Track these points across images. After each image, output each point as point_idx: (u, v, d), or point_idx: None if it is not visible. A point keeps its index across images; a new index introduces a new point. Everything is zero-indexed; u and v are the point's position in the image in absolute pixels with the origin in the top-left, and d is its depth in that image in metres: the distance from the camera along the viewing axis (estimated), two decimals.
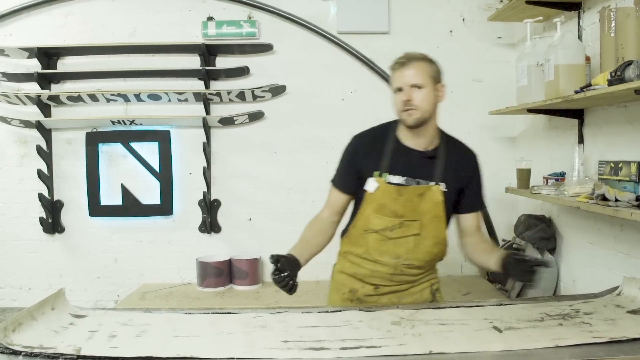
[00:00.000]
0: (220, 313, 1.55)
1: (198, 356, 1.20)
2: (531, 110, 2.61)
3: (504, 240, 3.01)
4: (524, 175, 2.77)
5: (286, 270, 1.50)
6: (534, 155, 2.95)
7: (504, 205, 3.25)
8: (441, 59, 3.13)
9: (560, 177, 2.50)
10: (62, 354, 1.20)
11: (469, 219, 1.78)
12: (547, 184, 2.52)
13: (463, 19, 3.30)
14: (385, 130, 1.77)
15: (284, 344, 1.27)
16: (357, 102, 3.29)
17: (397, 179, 1.68)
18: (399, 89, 1.65)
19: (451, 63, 3.18)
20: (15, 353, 1.20)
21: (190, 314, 1.55)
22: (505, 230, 3.24)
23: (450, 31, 3.31)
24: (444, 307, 1.56)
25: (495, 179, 3.19)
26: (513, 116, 3.12)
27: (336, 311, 1.52)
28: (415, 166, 1.69)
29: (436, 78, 1.69)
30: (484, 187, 1.81)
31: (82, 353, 1.21)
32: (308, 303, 2.86)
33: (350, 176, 1.77)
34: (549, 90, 2.29)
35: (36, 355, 1.20)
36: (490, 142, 3.29)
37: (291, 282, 1.50)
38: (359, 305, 1.69)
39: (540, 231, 2.80)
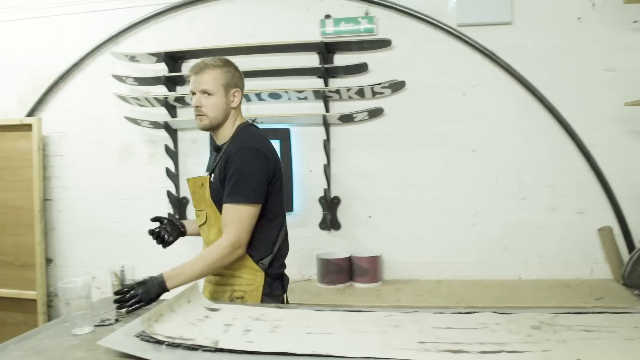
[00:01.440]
0: (351, 311, 1.55)
1: (334, 354, 1.19)
2: None
3: None
4: None
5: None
6: None
7: None
8: (569, 49, 3.07)
9: None
10: (200, 346, 1.24)
11: (223, 210, 1.76)
12: None
13: (593, 4, 3.11)
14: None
15: (420, 344, 1.24)
16: (478, 97, 3.21)
17: (205, 174, 1.88)
18: (193, 93, 1.80)
19: (580, 52, 3.11)
20: (159, 342, 1.25)
21: (320, 310, 1.55)
22: None
23: (579, 18, 3.13)
24: (586, 312, 1.46)
25: (630, 176, 3.04)
26: None
27: (470, 312, 1.48)
28: (209, 162, 1.94)
29: (228, 84, 1.79)
30: (245, 182, 1.72)
31: (220, 346, 1.23)
32: (429, 302, 2.87)
33: None
34: None
35: (177, 345, 1.24)
36: (624, 136, 3.09)
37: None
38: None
39: None
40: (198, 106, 1.76)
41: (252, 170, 1.72)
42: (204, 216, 1.84)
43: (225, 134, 1.83)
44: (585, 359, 1.14)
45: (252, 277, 1.81)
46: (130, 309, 1.56)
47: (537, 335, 1.28)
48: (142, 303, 1.57)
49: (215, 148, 1.85)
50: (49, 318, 3.68)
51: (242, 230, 1.71)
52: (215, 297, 1.83)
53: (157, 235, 1.91)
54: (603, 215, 3.11)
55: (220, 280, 1.84)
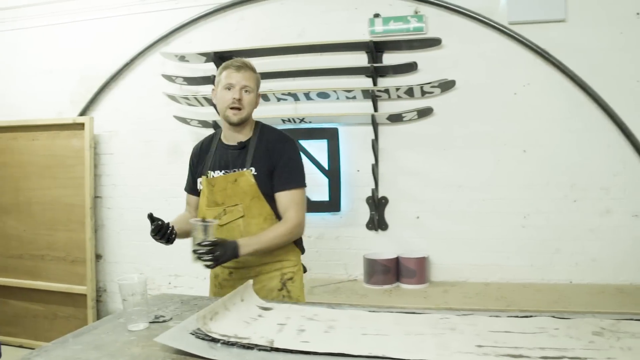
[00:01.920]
0: (404, 312, 1.54)
1: (391, 356, 1.17)
2: None
3: None
4: None
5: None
6: None
7: None
8: (625, 46, 2.99)
9: None
10: (256, 345, 1.24)
11: (279, 198, 1.92)
12: None
13: None
14: (214, 136, 2.06)
15: (478, 348, 1.22)
16: (530, 96, 3.15)
17: (217, 173, 1.94)
18: (229, 88, 1.88)
19: (637, 49, 3.01)
20: (215, 340, 1.26)
21: (374, 311, 1.55)
22: None
23: (637, 13, 3.04)
24: None
25: None
26: None
27: (527, 316, 1.45)
28: (230, 159, 1.94)
29: (259, 87, 1.98)
30: (299, 169, 1.96)
31: (275, 345, 1.24)
32: (479, 305, 2.83)
33: (193, 180, 2.07)
34: None
35: (233, 344, 1.24)
36: None
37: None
38: (220, 290, 1.97)
39: None
40: (240, 99, 1.87)
41: (299, 158, 1.98)
42: (238, 211, 1.91)
43: (246, 132, 1.97)
44: None
45: (296, 258, 2.03)
46: (206, 263, 1.68)
47: (600, 342, 1.25)
48: (215, 262, 1.69)
49: (240, 145, 1.95)
50: (98, 313, 3.79)
51: (304, 212, 1.94)
52: (264, 285, 1.95)
53: (164, 231, 1.83)
54: None
55: (266, 268, 1.97)
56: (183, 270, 3.70)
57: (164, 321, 1.50)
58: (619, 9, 3.04)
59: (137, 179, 3.76)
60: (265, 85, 3.41)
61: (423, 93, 3.21)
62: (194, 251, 1.68)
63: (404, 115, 3.21)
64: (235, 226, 1.91)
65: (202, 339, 1.27)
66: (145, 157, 3.74)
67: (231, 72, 1.89)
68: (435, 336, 1.31)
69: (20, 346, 3.82)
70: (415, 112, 3.20)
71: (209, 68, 3.48)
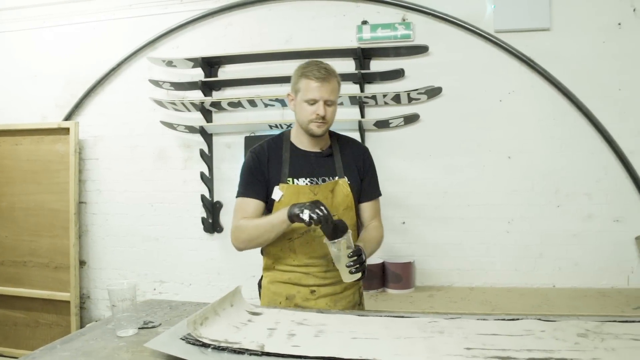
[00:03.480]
0: (394, 316, 1.56)
1: (382, 359, 1.20)
2: None
3: None
4: None
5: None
6: None
7: None
8: (608, 55, 3.07)
9: None
10: (247, 349, 1.25)
11: (367, 208, 1.94)
12: None
13: (634, 9, 3.10)
14: (279, 140, 1.90)
15: (467, 351, 1.25)
16: (515, 103, 3.22)
17: (302, 181, 1.82)
18: (315, 101, 1.75)
19: (619, 58, 3.10)
20: (205, 345, 1.27)
21: (363, 316, 1.58)
22: None
23: (619, 23, 3.13)
24: (634, 321, 1.46)
25: None
26: None
27: (514, 319, 1.49)
28: (316, 166, 1.85)
29: (339, 90, 1.86)
30: (377, 178, 2.01)
31: (266, 350, 1.25)
32: (464, 309, 2.88)
33: (259, 183, 1.82)
34: None
35: (223, 349, 1.25)
36: None
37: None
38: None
39: None
40: (324, 116, 1.76)
41: (376, 168, 2.00)
42: None
43: (326, 138, 1.90)
44: None
45: None
46: (365, 270, 1.65)
47: (585, 343, 1.28)
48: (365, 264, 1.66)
49: (326, 152, 1.88)
50: (82, 320, 3.76)
51: None
52: (349, 301, 1.91)
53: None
54: None
55: (339, 288, 1.87)
56: (168, 277, 3.70)
57: (153, 327, 1.50)
58: (602, 19, 3.14)
59: (123, 184, 3.76)
60: (253, 91, 3.47)
61: (410, 99, 3.27)
62: (347, 266, 1.59)
63: (390, 121, 3.25)
64: (311, 237, 1.82)
65: (193, 344, 1.28)
66: (131, 163, 3.74)
67: (313, 85, 1.74)
68: (424, 339, 1.33)
69: (1, 355, 3.78)
70: (401, 119, 3.25)
71: (197, 73, 3.50)
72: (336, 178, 1.84)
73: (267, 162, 1.83)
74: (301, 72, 1.78)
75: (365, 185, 1.91)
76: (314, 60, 1.83)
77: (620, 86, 3.12)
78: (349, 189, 1.83)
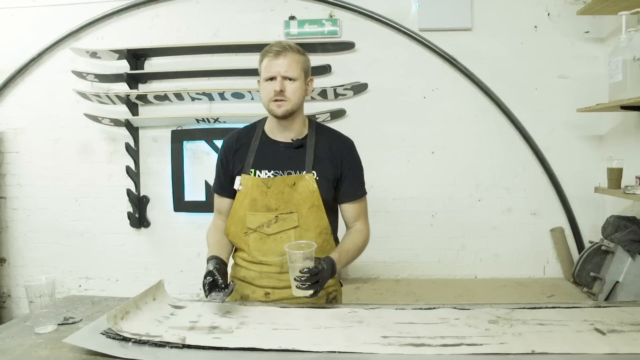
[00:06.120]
0: (315, 307, 1.61)
1: (301, 349, 1.24)
2: (625, 107, 2.60)
3: (590, 242, 3.04)
4: (615, 175, 2.76)
5: (222, 279, 1.55)
6: (624, 154, 2.93)
7: (589, 206, 3.28)
8: (525, 55, 3.27)
9: None
10: (168, 342, 1.27)
11: (350, 209, 1.79)
12: None
13: (548, 14, 3.32)
14: (252, 128, 1.82)
15: (383, 339, 1.30)
16: (439, 100, 3.37)
17: (264, 173, 1.72)
18: (271, 78, 1.66)
19: (535, 59, 3.31)
20: (126, 339, 1.28)
21: (285, 307, 1.59)
22: (591, 231, 3.27)
23: (535, 26, 3.33)
24: (541, 307, 1.57)
25: (581, 178, 3.25)
26: (600, 114, 3.14)
27: (430, 308, 1.57)
28: (283, 158, 1.73)
29: (307, 72, 1.74)
30: (362, 176, 1.83)
31: (187, 342, 1.27)
32: (389, 300, 3.01)
33: (225, 179, 1.80)
34: None
35: (144, 342, 1.27)
36: (576, 141, 3.31)
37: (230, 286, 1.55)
38: None
39: (631, 233, 2.81)
40: (282, 90, 1.64)
41: (361, 163, 1.83)
42: (293, 220, 1.69)
43: (299, 127, 1.76)
44: (540, 349, 1.23)
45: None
46: (318, 289, 1.50)
47: (495, 329, 1.37)
48: (319, 290, 1.51)
49: (295, 143, 1.74)
50: (1, 319, 3.66)
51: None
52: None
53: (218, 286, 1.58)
54: (555, 216, 3.33)
55: None
56: (94, 273, 3.65)
57: (74, 322, 1.48)
58: (519, 22, 3.33)
59: (45, 178, 3.68)
60: (180, 84, 3.47)
61: (336, 95, 3.36)
62: (296, 279, 1.49)
63: (317, 116, 3.33)
64: (286, 238, 1.68)
65: (113, 338, 1.29)
66: (54, 156, 3.66)
67: (270, 60, 1.65)
68: (343, 329, 1.38)
69: None
70: (328, 114, 3.34)
71: (122, 65, 3.47)
72: (303, 172, 1.70)
73: (233, 154, 1.78)
74: (262, 53, 1.71)
75: (346, 183, 1.75)
76: (277, 40, 1.76)
77: (536, 85, 3.32)
78: (315, 186, 1.68)
